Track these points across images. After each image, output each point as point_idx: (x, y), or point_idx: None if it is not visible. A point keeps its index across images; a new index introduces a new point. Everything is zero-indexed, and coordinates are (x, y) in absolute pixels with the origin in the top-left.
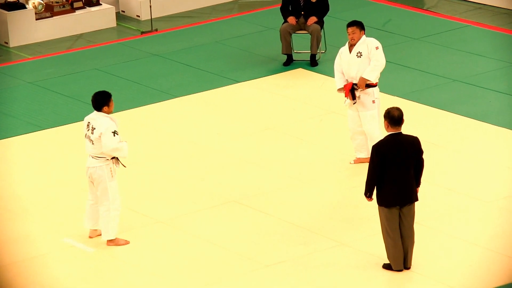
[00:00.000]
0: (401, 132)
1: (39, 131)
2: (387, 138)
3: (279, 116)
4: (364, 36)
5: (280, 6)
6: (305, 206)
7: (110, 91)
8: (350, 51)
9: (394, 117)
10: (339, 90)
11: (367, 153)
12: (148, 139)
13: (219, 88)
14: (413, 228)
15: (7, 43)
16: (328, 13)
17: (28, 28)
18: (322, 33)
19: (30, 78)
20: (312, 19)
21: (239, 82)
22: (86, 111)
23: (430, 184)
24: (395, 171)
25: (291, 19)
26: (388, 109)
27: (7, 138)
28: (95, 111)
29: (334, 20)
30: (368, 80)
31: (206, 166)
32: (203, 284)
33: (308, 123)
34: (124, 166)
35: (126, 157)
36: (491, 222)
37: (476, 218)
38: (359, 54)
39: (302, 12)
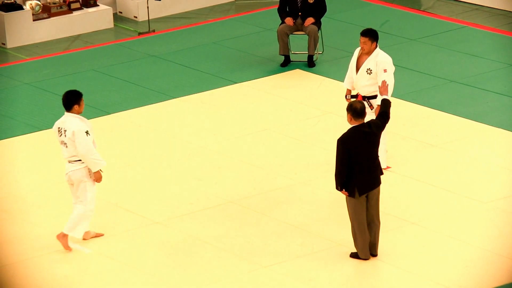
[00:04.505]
0: (363, 123)
1: (36, 132)
2: (351, 131)
3: (277, 117)
4: (377, 50)
5: (277, 7)
6: (302, 207)
7: (107, 92)
8: (362, 62)
9: (356, 110)
10: (347, 89)
11: None
12: (145, 140)
13: (216, 89)
14: (379, 217)
15: (4, 44)
16: (326, 14)
17: (25, 29)
18: (319, 34)
19: (28, 79)
20: (310, 20)
21: (237, 83)
22: (84, 112)
23: (427, 184)
24: (361, 162)
25: (289, 20)
26: (350, 102)
27: (5, 139)
28: (65, 114)
29: (332, 21)
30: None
31: (203, 166)
32: (200, 285)
33: (305, 124)
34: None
35: (96, 170)
36: (489, 223)
37: (473, 219)
38: (369, 71)
39: (300, 13)
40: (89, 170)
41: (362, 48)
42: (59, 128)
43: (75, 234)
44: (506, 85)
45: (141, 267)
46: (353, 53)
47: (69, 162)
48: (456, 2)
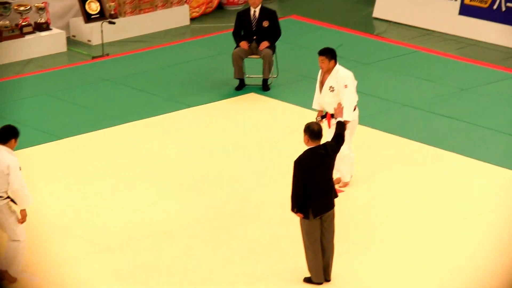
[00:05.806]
0: (319, 145)
1: None
2: (308, 152)
3: (231, 140)
4: (336, 67)
5: (232, 31)
6: (259, 229)
7: (61, 117)
8: (325, 81)
9: (314, 131)
10: (318, 111)
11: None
12: (98, 165)
13: (171, 113)
14: (333, 240)
15: None
16: (280, 38)
17: None
18: (274, 58)
19: None
20: (264, 44)
21: (192, 106)
22: (34, 137)
23: (380, 208)
24: (317, 184)
25: (243, 44)
26: (307, 124)
27: None
28: None
29: (286, 44)
30: (349, 120)
31: (157, 190)
32: None
33: (260, 148)
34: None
35: (25, 207)
36: (442, 246)
37: (426, 242)
38: (331, 89)
39: (254, 37)
40: (8, 205)
41: (320, 67)
42: None
43: (16, 271)
44: (458, 109)
45: (131, 276)
46: (312, 76)
47: None
48: (408, 27)
